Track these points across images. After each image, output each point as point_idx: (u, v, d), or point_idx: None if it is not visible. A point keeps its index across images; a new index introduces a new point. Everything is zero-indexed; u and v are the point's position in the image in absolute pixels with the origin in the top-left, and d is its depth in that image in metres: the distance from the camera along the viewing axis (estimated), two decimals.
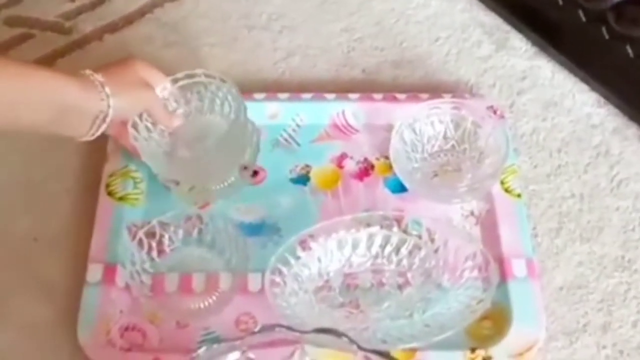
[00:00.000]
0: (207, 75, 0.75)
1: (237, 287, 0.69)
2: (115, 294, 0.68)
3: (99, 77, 0.68)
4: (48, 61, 0.87)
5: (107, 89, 0.68)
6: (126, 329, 0.68)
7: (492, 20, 0.91)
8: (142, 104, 0.72)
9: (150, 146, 0.73)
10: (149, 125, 0.73)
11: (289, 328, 0.55)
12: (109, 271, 0.69)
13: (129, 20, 0.91)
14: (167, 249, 0.71)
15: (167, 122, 0.74)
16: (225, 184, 0.75)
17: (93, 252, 0.70)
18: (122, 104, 0.69)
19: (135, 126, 0.72)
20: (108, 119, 0.68)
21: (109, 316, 0.68)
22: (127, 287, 0.69)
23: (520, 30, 0.89)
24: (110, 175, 0.75)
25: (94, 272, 0.69)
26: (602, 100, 0.85)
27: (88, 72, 0.69)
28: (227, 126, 0.74)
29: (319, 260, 0.70)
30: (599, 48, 0.83)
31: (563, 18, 0.85)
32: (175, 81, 0.74)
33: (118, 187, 0.75)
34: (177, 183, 0.75)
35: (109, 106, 0.68)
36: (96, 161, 0.78)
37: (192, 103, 0.76)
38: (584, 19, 0.83)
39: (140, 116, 0.72)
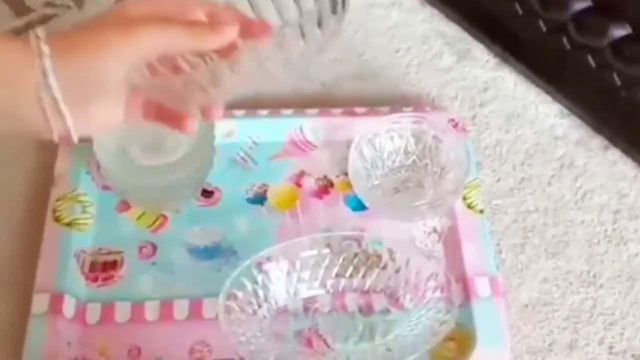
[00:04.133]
0: None
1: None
2: (63, 326, 0.65)
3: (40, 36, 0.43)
4: None
5: (43, 47, 0.43)
6: None
7: (453, 31, 0.90)
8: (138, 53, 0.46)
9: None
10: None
11: None
12: (56, 301, 0.66)
13: None
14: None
15: (205, 44, 0.48)
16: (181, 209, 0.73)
17: (39, 282, 0.67)
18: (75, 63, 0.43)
19: None
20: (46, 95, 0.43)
21: (56, 349, 0.64)
22: (75, 318, 0.66)
23: (481, 41, 0.88)
24: (57, 200, 0.72)
25: (40, 303, 0.65)
26: (565, 111, 0.83)
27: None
28: (191, 138, 0.69)
29: (277, 283, 0.67)
30: (560, 58, 0.81)
31: (524, 28, 0.84)
32: None
33: (65, 213, 0.71)
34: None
35: (44, 73, 0.42)
36: (43, 184, 0.74)
37: None
38: (544, 29, 0.82)
39: None
